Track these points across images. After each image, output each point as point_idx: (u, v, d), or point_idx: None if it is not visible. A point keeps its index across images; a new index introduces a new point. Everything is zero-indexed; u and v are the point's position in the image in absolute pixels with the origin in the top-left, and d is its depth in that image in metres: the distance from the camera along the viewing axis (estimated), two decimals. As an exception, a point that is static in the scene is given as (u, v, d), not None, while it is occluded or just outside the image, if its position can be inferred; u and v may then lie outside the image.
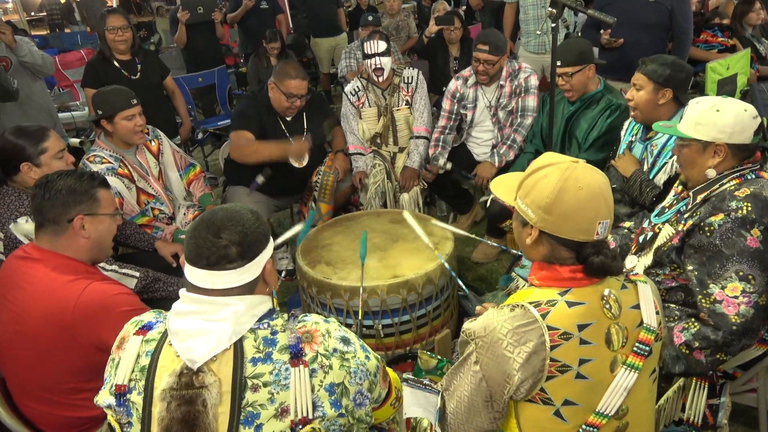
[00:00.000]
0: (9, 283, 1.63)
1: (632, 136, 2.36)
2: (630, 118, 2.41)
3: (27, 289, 1.58)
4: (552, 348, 1.13)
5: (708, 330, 1.53)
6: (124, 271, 2.11)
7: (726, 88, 3.91)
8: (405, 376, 1.40)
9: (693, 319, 1.59)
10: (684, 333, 1.57)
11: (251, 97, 3.12)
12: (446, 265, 2.24)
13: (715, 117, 1.59)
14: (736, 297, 1.50)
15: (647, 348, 1.19)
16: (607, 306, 1.18)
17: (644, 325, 1.21)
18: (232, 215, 1.13)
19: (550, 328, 1.14)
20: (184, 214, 2.85)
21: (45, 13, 10.76)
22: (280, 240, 2.45)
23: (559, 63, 2.63)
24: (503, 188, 1.35)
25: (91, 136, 4.06)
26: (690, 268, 1.61)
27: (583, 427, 1.19)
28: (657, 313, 1.24)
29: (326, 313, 2.30)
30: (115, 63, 3.44)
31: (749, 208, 1.51)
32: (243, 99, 3.19)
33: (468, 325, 1.24)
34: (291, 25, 7.47)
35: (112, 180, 2.49)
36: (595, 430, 1.18)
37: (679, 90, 2.13)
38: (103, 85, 2.69)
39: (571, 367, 1.15)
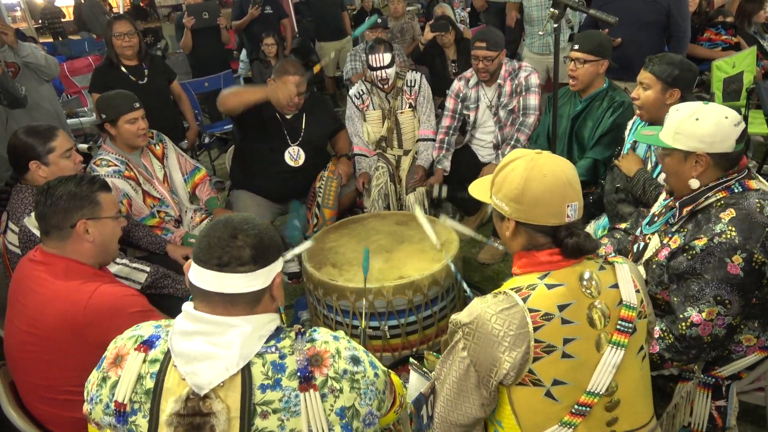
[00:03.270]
0: (22, 286, 1.65)
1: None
2: (634, 118, 2.40)
3: (39, 293, 1.60)
4: (535, 329, 1.18)
5: (680, 345, 1.57)
6: (134, 265, 2.12)
7: (732, 86, 3.89)
8: (412, 360, 1.41)
9: (669, 330, 1.60)
10: (659, 342, 1.61)
11: None
12: (452, 266, 2.25)
13: (695, 126, 1.53)
14: (711, 320, 1.53)
15: (630, 325, 1.24)
16: (588, 290, 1.23)
17: (624, 302, 1.25)
18: (249, 219, 1.13)
19: (531, 310, 1.19)
20: (192, 217, 2.88)
21: (45, 22, 10.86)
22: (290, 254, 2.47)
23: (576, 47, 2.63)
24: (480, 189, 1.41)
25: (99, 141, 4.10)
26: (671, 288, 1.62)
27: (576, 406, 1.22)
28: (638, 291, 1.27)
29: (333, 315, 2.31)
30: (123, 68, 3.47)
31: (733, 233, 1.49)
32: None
33: (455, 315, 1.28)
34: (296, 29, 7.51)
35: (119, 182, 2.52)
36: (587, 408, 1.22)
37: (686, 90, 2.12)
38: (111, 90, 2.72)
39: (555, 347, 1.19)
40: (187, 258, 2.50)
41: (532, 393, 1.22)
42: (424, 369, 1.46)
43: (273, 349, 1.10)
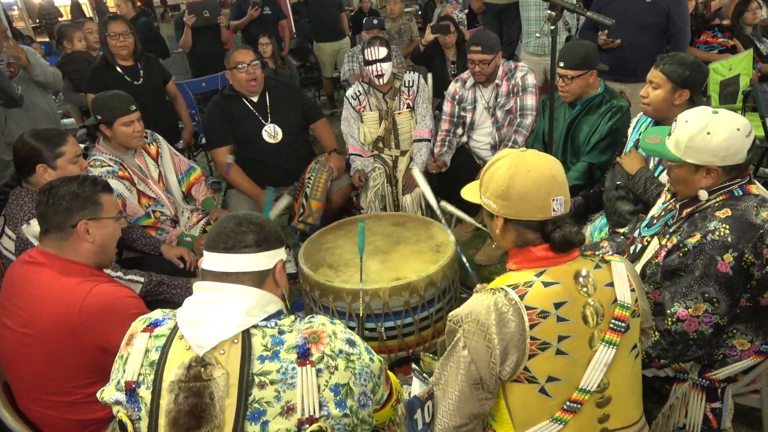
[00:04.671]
0: (16, 287, 1.64)
1: (639, 134, 2.35)
2: (638, 116, 2.40)
3: (34, 294, 1.59)
4: (531, 327, 1.20)
5: (666, 342, 1.58)
6: (129, 277, 2.12)
7: (728, 88, 3.91)
8: (414, 366, 1.42)
9: (656, 327, 1.60)
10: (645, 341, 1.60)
11: (215, 101, 3.24)
12: (450, 234, 2.23)
13: (707, 141, 1.50)
14: (698, 316, 1.53)
15: (623, 324, 1.25)
16: (584, 289, 1.24)
17: (618, 302, 1.26)
18: (253, 214, 1.27)
19: (528, 308, 1.20)
20: (188, 217, 2.87)
21: (43, 22, 10.82)
22: (275, 211, 2.48)
23: (561, 64, 2.63)
24: (471, 191, 1.44)
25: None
26: (664, 285, 1.63)
27: (568, 403, 1.24)
28: (633, 290, 1.29)
29: (329, 316, 2.30)
30: (118, 69, 3.46)
31: (727, 231, 1.49)
32: (208, 109, 3.31)
33: (453, 312, 1.30)
34: (294, 30, 7.50)
35: (113, 183, 2.50)
36: (578, 405, 1.24)
37: (695, 91, 2.11)
38: (106, 90, 2.71)
39: (550, 344, 1.21)
40: (182, 258, 2.51)
41: (526, 389, 1.24)
42: (424, 375, 1.45)
43: (272, 324, 1.16)
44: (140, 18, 5.64)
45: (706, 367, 1.70)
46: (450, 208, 2.36)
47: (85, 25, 4.55)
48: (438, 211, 2.30)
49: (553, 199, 1.25)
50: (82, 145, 3.76)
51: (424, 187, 2.18)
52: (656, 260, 1.67)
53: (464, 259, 2.23)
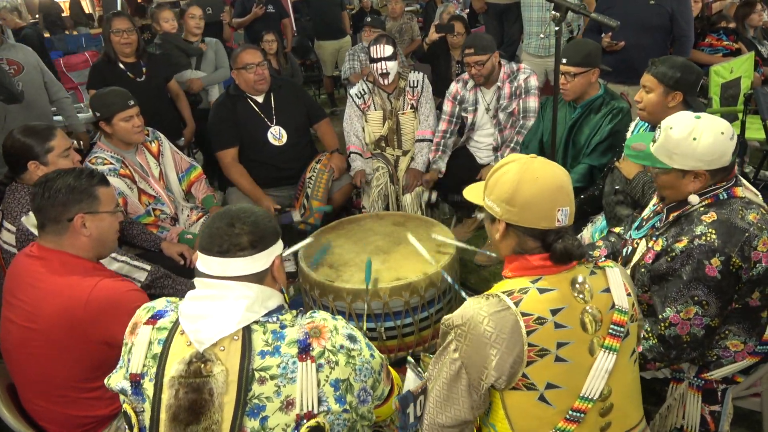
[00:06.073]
0: (20, 281, 1.64)
1: (638, 138, 2.36)
2: (636, 120, 2.40)
3: (38, 287, 1.59)
4: (528, 333, 1.19)
5: (661, 346, 1.59)
6: (135, 263, 2.12)
7: (729, 91, 3.90)
8: (410, 359, 1.42)
9: (652, 330, 1.61)
10: (643, 342, 1.62)
11: (219, 101, 3.24)
12: (447, 277, 2.24)
13: (693, 146, 1.52)
14: (689, 319, 1.54)
15: (622, 329, 1.25)
16: (581, 295, 1.24)
17: (616, 307, 1.26)
18: (246, 210, 1.22)
19: (523, 314, 1.20)
20: (188, 215, 2.87)
21: (40, 16, 10.78)
22: (290, 250, 2.44)
23: (564, 60, 2.62)
24: (474, 192, 1.43)
25: (95, 138, 4.07)
26: (653, 289, 1.64)
27: (570, 412, 1.22)
28: (629, 295, 1.29)
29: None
30: (121, 65, 3.45)
31: (713, 236, 1.50)
32: (212, 109, 3.29)
33: (447, 316, 1.29)
34: (294, 28, 7.49)
35: (114, 180, 2.50)
36: (582, 415, 1.22)
37: (689, 93, 2.11)
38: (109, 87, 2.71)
39: (549, 350, 1.20)
40: (182, 255, 2.51)
41: (525, 397, 1.22)
42: (419, 369, 1.46)
43: (274, 319, 1.17)
44: (24, 30, 5.67)
45: (701, 368, 1.71)
46: (440, 238, 2.39)
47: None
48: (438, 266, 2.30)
49: (559, 210, 1.24)
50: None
51: (419, 247, 2.22)
52: (642, 262, 1.68)
53: (463, 294, 2.22)
